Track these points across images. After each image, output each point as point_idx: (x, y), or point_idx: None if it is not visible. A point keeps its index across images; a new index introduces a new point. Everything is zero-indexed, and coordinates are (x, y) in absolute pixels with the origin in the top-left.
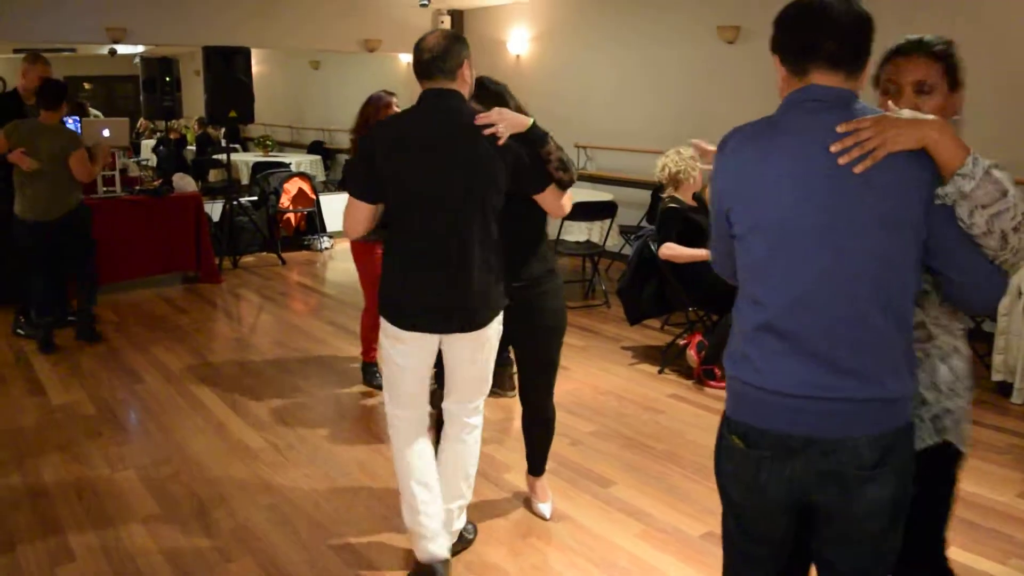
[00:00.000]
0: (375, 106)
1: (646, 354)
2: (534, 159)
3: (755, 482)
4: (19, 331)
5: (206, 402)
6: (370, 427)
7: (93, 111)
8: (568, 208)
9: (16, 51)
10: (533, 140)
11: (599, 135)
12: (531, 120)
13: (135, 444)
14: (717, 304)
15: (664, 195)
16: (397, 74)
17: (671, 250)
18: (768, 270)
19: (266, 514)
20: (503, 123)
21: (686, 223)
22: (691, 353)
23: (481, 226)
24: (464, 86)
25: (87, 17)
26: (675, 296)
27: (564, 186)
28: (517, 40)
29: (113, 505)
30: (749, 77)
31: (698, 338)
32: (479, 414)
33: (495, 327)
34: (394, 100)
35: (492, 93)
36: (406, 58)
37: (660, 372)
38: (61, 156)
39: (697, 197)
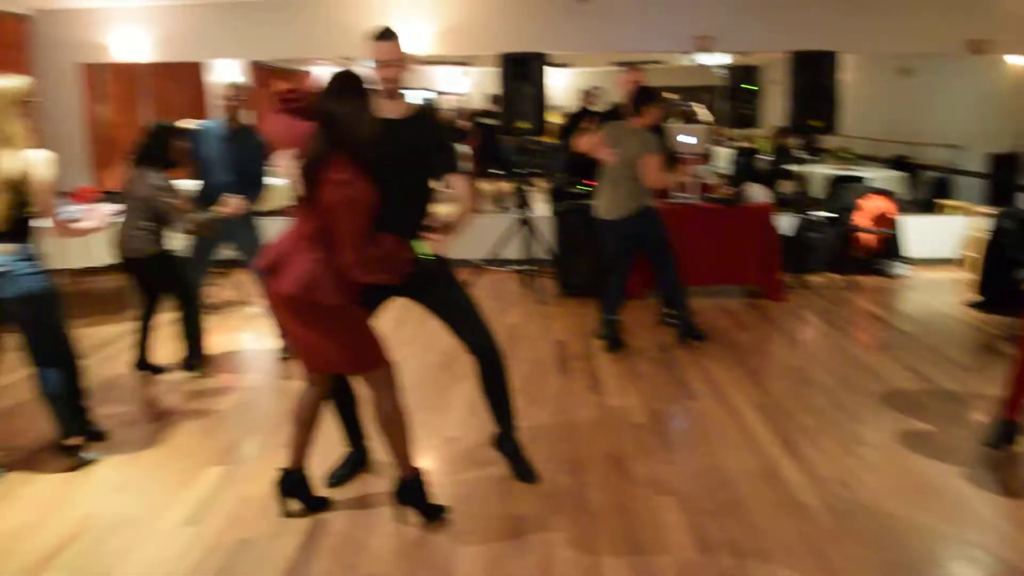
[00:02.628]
0: None
1: None
2: None
3: None
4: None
5: (758, 436)
6: (994, 514)
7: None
8: None
9: (611, 64)
10: None
11: None
12: None
13: (680, 467)
14: None
15: None
16: (1001, 81)
17: None
18: None
19: None
20: None
21: None
22: None
23: None
24: None
25: (675, 27)
26: None
27: None
28: None
29: (648, 533)
30: None
31: None
32: None
33: None
34: None
35: None
36: (1013, 60)
37: None
38: (633, 160)
39: None
